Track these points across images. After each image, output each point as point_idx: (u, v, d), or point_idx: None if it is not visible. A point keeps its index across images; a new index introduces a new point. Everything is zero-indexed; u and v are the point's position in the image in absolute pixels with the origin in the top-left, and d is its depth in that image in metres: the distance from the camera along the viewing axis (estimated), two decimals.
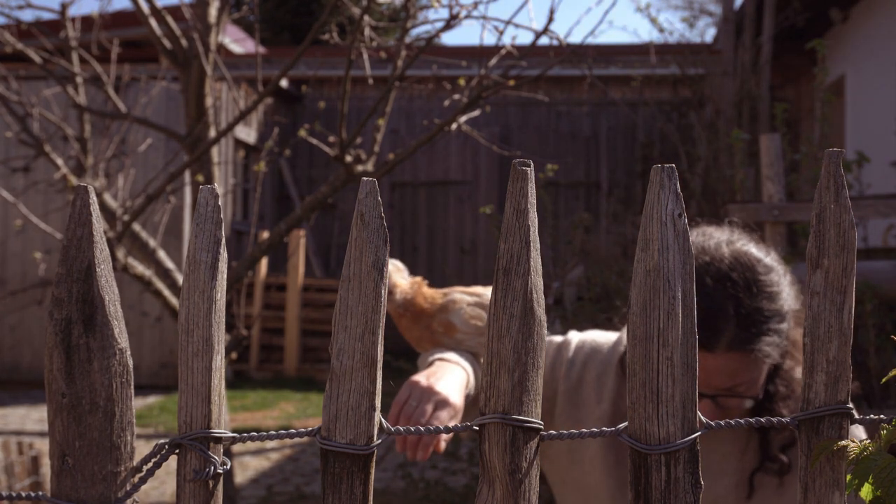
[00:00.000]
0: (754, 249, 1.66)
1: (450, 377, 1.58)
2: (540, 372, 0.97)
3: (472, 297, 1.75)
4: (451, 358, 1.66)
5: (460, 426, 0.99)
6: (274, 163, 10.88)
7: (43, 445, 5.08)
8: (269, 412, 7.84)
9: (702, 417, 0.99)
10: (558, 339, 1.86)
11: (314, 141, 3.65)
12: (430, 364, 1.65)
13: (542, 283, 0.98)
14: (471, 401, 1.68)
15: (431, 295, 1.77)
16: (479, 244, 11.56)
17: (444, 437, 1.53)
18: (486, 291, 1.77)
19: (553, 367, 1.80)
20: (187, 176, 4.42)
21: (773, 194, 3.49)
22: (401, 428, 0.99)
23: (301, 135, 3.77)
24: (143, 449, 5.97)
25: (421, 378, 1.55)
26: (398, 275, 1.76)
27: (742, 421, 1.02)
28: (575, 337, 1.86)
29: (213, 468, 0.94)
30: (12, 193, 7.39)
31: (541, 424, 0.97)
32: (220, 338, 0.95)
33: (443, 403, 1.51)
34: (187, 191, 8.86)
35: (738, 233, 1.70)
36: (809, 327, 1.01)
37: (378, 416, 0.96)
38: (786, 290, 1.65)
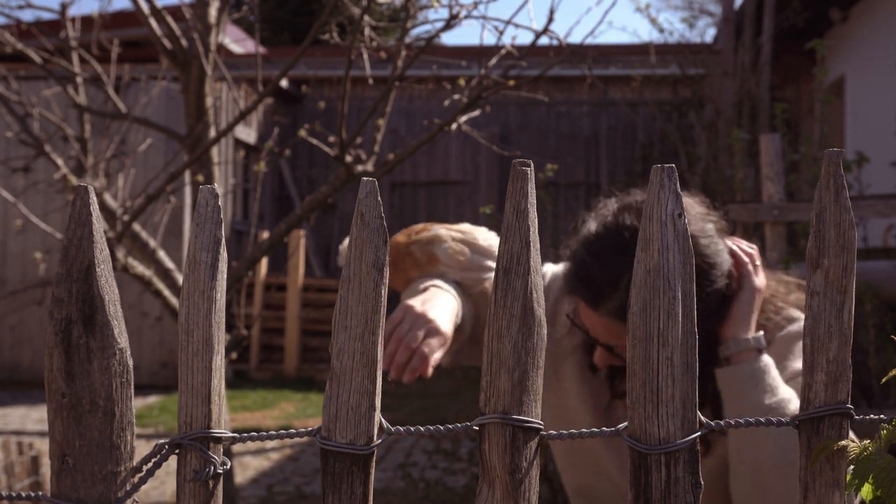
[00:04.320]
0: (695, 227, 1.63)
1: (442, 305, 1.61)
2: (540, 372, 0.97)
3: (457, 233, 1.78)
4: (443, 286, 1.68)
5: (460, 426, 0.99)
6: (274, 163, 10.88)
7: (43, 445, 5.07)
8: (269, 412, 7.84)
9: (701, 418, 0.99)
10: None
11: (314, 141, 3.65)
12: (424, 290, 1.68)
13: (542, 283, 0.98)
14: (460, 332, 1.72)
15: (408, 231, 1.79)
16: None
17: (432, 362, 1.55)
18: (472, 229, 1.80)
19: None
20: (187, 176, 4.43)
21: (773, 194, 3.49)
22: (400, 428, 0.99)
23: (301, 135, 3.77)
24: (143, 449, 5.97)
25: (416, 303, 1.58)
26: None
27: (742, 421, 1.02)
28: (549, 269, 1.88)
29: (213, 468, 0.94)
30: (12, 193, 7.39)
31: (541, 424, 0.97)
32: (220, 338, 0.95)
33: (434, 331, 1.54)
34: (187, 191, 8.85)
35: (697, 204, 1.69)
36: (809, 327, 1.01)
37: (378, 415, 0.97)
38: (718, 271, 1.63)
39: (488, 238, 1.81)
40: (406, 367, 1.51)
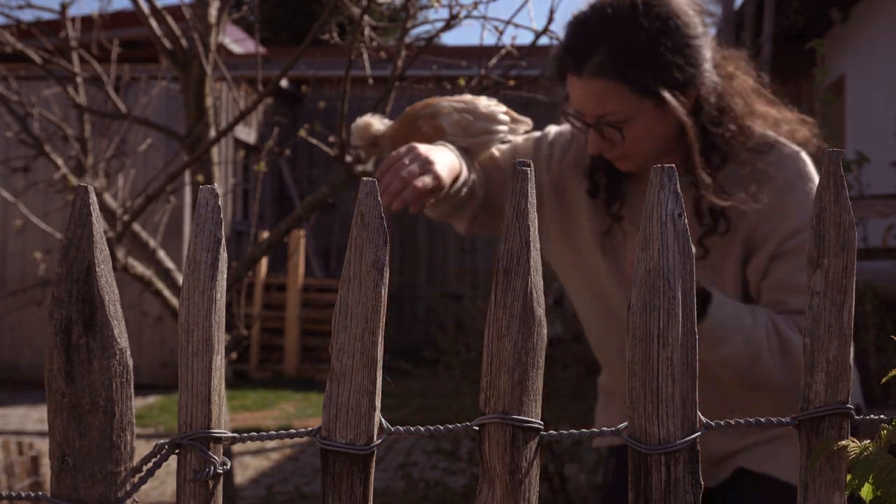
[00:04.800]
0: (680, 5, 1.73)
1: (445, 157, 1.69)
2: (540, 372, 0.98)
3: (459, 103, 1.85)
4: (451, 148, 1.76)
5: (460, 426, 0.99)
6: (274, 163, 10.88)
7: (43, 445, 5.07)
8: (269, 412, 7.84)
9: (701, 417, 0.99)
10: (536, 133, 1.96)
11: (314, 141, 3.65)
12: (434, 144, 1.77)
13: (542, 283, 0.98)
14: (466, 192, 1.80)
15: (412, 107, 1.87)
16: (479, 244, 11.55)
17: (423, 199, 1.63)
18: (472, 98, 1.88)
19: (535, 158, 1.90)
20: (187, 176, 4.43)
21: None
22: (400, 428, 0.99)
23: (301, 135, 3.77)
24: (143, 449, 5.97)
25: (422, 147, 1.66)
26: (378, 122, 1.87)
27: (742, 421, 1.02)
28: (552, 129, 1.96)
29: (213, 468, 0.94)
30: (12, 193, 7.39)
31: (541, 424, 0.97)
32: (220, 338, 0.95)
33: (432, 171, 1.62)
34: (187, 191, 8.85)
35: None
36: (809, 327, 1.01)
37: (378, 415, 0.97)
38: (703, 52, 1.73)
39: (489, 104, 1.87)
40: (397, 196, 1.60)
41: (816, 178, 1.75)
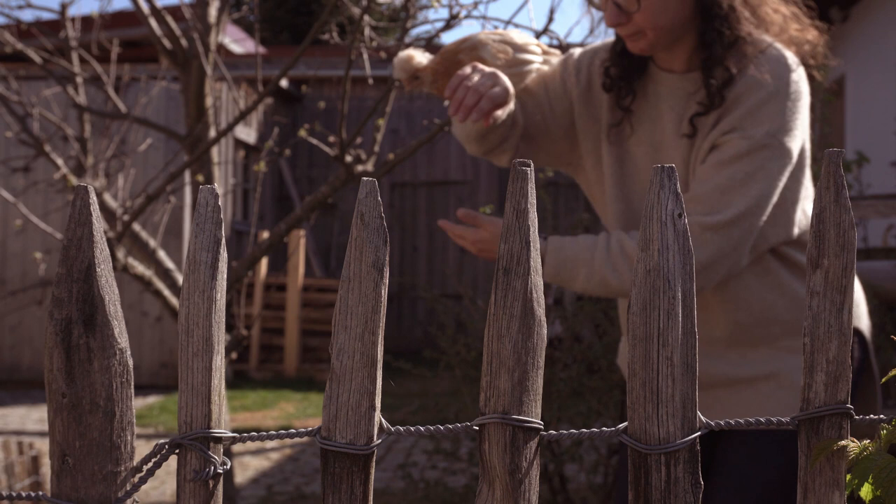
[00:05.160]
0: None
1: (503, 76, 1.77)
2: (540, 372, 0.98)
3: (496, 35, 1.93)
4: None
5: (460, 426, 0.99)
6: (274, 163, 10.88)
7: (43, 445, 5.07)
8: (269, 412, 7.83)
9: (702, 417, 0.99)
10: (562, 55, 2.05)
11: (314, 141, 3.65)
12: None
13: (542, 283, 0.98)
14: (510, 121, 1.88)
15: (454, 46, 1.93)
16: None
17: (496, 108, 1.71)
18: (504, 30, 1.96)
19: (563, 78, 1.97)
20: (187, 176, 4.43)
21: None
22: (400, 428, 0.99)
23: (301, 135, 3.77)
24: (143, 449, 5.97)
25: (485, 67, 1.75)
26: (420, 55, 1.91)
27: (742, 421, 1.02)
28: (577, 50, 2.04)
29: (213, 468, 0.94)
30: (12, 193, 7.39)
31: (541, 424, 0.97)
32: (220, 338, 0.95)
33: (500, 84, 1.72)
34: (187, 191, 8.85)
35: None
36: (809, 327, 1.01)
37: (378, 415, 0.97)
38: None
39: (522, 34, 1.96)
40: (473, 108, 1.69)
41: (794, 88, 1.77)
